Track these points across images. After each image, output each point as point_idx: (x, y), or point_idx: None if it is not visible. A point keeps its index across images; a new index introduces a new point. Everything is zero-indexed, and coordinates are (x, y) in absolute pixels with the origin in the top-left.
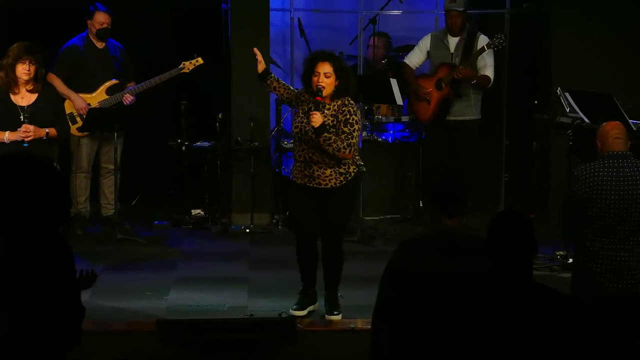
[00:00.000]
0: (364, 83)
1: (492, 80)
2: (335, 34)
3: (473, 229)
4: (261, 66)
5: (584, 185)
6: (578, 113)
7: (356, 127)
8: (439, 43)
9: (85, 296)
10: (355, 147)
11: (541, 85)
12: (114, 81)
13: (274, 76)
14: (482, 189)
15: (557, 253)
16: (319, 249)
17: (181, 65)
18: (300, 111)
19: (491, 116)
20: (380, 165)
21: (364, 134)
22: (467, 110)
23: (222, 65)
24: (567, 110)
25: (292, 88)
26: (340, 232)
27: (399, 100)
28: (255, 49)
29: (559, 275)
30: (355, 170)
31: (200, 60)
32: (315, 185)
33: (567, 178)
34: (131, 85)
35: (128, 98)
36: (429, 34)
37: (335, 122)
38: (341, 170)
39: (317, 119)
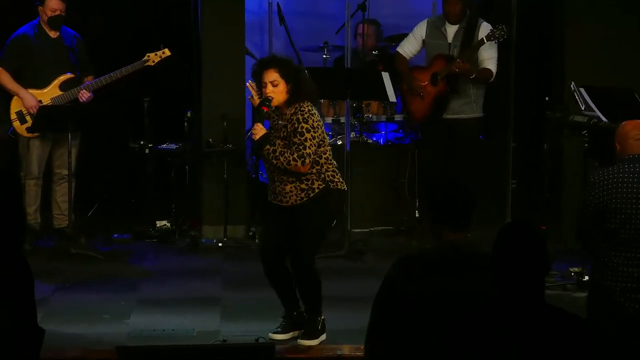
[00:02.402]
0: (352, 78)
1: (494, 74)
2: (319, 22)
3: (477, 243)
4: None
5: (602, 193)
6: (594, 111)
7: (308, 135)
8: (435, 31)
9: None
10: (313, 158)
11: (553, 80)
12: (68, 75)
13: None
14: (487, 197)
15: (572, 270)
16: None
17: (145, 58)
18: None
19: (497, 115)
20: (370, 170)
21: (352, 135)
22: (466, 108)
23: (191, 57)
24: (582, 108)
25: None
26: (306, 256)
27: (392, 96)
28: (248, 84)
29: (574, 294)
30: (321, 187)
31: (166, 52)
32: (278, 203)
33: (582, 184)
34: (88, 80)
35: (85, 94)
36: (425, 20)
37: (285, 133)
38: (302, 186)
39: (257, 130)
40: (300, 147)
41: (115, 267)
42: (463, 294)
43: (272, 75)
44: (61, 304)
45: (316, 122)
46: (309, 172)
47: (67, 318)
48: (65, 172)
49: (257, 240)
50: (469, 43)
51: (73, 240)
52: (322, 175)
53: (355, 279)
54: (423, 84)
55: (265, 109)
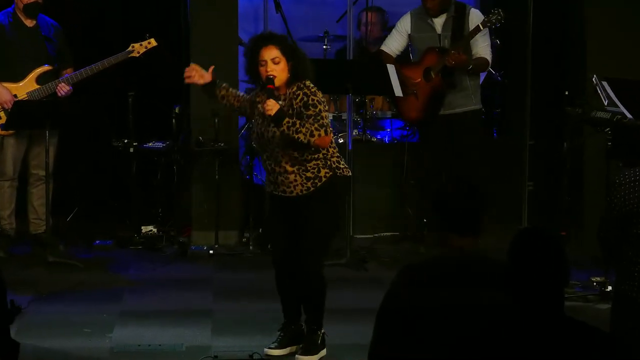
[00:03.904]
0: (355, 70)
1: (490, 62)
2: (318, 10)
3: (489, 250)
4: (200, 77)
5: (629, 196)
6: (618, 106)
7: (320, 107)
8: (421, 24)
9: None
10: (331, 133)
11: (573, 73)
12: (46, 67)
13: (223, 84)
14: (501, 201)
15: (594, 279)
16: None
17: (129, 48)
18: (257, 116)
19: (512, 111)
20: (374, 170)
21: (354, 133)
22: (465, 101)
23: (179, 47)
24: (605, 103)
25: (242, 94)
26: (314, 251)
27: (398, 91)
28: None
29: (596, 306)
30: (328, 174)
31: (152, 42)
32: (280, 194)
33: (605, 186)
34: (68, 73)
35: (63, 88)
36: (408, 13)
37: (291, 112)
38: (308, 174)
39: (271, 105)
40: (318, 118)
41: (97, 277)
42: (474, 306)
43: (273, 52)
44: (37, 316)
45: (322, 98)
46: (314, 157)
47: (43, 332)
48: (43, 172)
49: (251, 247)
50: (461, 32)
51: (51, 247)
52: (329, 162)
53: (358, 289)
54: (416, 81)
55: (272, 87)
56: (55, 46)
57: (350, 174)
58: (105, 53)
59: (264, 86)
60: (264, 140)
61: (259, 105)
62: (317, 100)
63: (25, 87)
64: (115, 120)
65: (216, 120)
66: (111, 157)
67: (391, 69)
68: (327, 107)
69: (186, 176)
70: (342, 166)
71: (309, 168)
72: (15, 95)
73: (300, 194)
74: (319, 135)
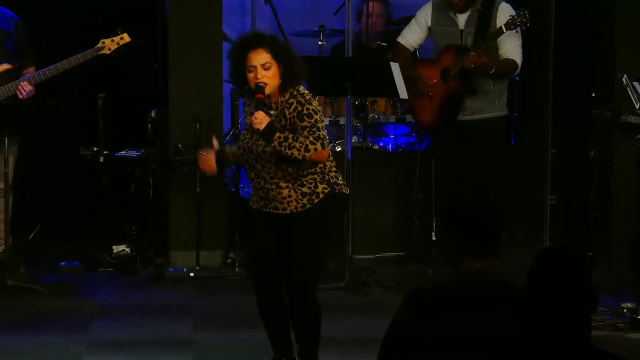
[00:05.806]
0: (354, 69)
1: (519, 66)
2: (313, 1)
3: (507, 273)
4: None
5: None
6: None
7: (317, 117)
8: (443, 17)
9: None
10: (328, 146)
11: (601, 73)
12: (5, 66)
13: (227, 148)
14: (520, 217)
15: (624, 305)
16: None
17: (99, 44)
18: (246, 130)
19: (532, 115)
20: (376, 182)
21: (353, 139)
22: (487, 106)
23: (155, 44)
24: (637, 107)
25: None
26: (309, 275)
27: (403, 92)
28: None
29: (626, 335)
30: (326, 190)
31: (125, 38)
32: (272, 210)
33: (637, 200)
34: (29, 72)
35: (25, 88)
36: (430, 3)
37: (284, 123)
38: (304, 189)
39: (260, 118)
40: (314, 129)
41: (63, 302)
42: (490, 335)
43: (263, 57)
44: None
45: (318, 107)
46: (311, 171)
47: None
48: (1, 184)
49: (236, 269)
50: (486, 29)
51: (10, 269)
52: (326, 177)
53: (357, 316)
54: (432, 81)
55: (262, 97)
56: (15, 42)
57: (348, 191)
58: (72, 50)
59: (253, 95)
60: (254, 155)
61: (247, 118)
62: (313, 110)
63: None
64: (83, 125)
65: (197, 126)
66: (79, 167)
67: (395, 67)
68: (322, 117)
69: (164, 189)
70: (340, 182)
71: (305, 182)
72: None
73: (294, 210)
74: (315, 149)
